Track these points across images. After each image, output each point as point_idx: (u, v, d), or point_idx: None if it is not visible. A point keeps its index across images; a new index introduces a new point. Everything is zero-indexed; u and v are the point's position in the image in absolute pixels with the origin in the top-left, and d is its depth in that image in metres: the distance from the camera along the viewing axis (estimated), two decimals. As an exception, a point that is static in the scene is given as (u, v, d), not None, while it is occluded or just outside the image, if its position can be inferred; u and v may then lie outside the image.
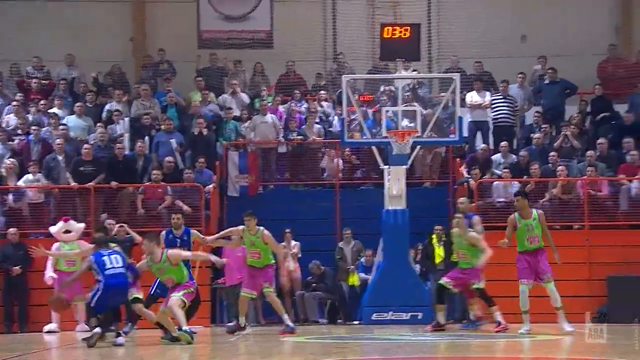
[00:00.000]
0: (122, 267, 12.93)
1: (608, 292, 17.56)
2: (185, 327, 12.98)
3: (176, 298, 13.04)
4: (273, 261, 14.89)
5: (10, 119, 20.17)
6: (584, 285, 17.78)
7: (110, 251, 13.11)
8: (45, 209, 18.42)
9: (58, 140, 18.96)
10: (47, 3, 23.11)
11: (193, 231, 14.91)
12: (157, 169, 18.77)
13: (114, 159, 18.87)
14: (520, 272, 14.30)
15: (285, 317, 14.83)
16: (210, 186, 18.73)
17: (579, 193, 18.33)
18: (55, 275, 16.59)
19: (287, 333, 14.49)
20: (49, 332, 16.28)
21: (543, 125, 19.96)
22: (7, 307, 17.41)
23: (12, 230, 17.68)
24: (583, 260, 17.83)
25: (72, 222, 16.98)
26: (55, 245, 16.72)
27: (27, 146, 19.37)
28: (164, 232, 14.73)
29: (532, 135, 19.85)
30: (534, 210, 14.48)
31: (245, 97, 21.19)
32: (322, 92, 21.37)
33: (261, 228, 14.64)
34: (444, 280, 15.12)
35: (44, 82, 21.61)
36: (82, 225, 16.92)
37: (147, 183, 18.63)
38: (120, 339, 12.77)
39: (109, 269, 12.77)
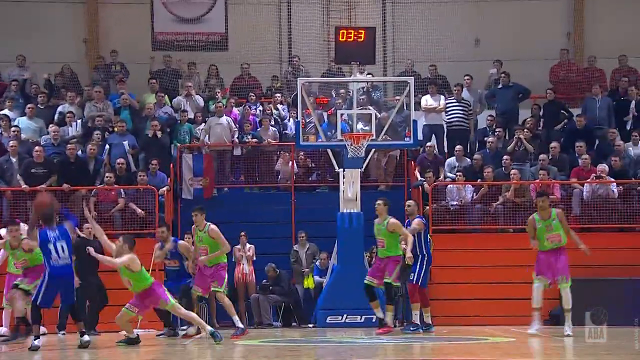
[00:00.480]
0: (68, 257, 12.68)
1: (560, 295, 17.72)
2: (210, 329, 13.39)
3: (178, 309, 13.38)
4: (224, 260, 14.80)
5: (-40, 121, 19.91)
6: (536, 288, 17.93)
7: (56, 235, 12.71)
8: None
9: (12, 142, 18.75)
10: (3, 4, 22.83)
11: (180, 243, 15.07)
12: (109, 171, 18.65)
13: (66, 160, 18.71)
14: (537, 268, 14.35)
15: (236, 318, 14.75)
16: (164, 189, 18.64)
17: (532, 196, 18.51)
18: None
19: (239, 336, 14.44)
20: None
21: (496, 129, 20.14)
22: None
23: (-40, 233, 17.40)
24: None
25: (22, 225, 16.74)
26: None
27: (-22, 146, 19.16)
28: (159, 244, 15.10)
29: (485, 138, 20.03)
30: (553, 210, 14.54)
31: (199, 100, 21.12)
32: (277, 94, 21.36)
33: (208, 224, 14.55)
34: (368, 279, 15.12)
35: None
36: None
37: (100, 185, 18.49)
38: (86, 337, 12.75)
39: (54, 261, 12.57)
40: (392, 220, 15.00)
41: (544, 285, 14.34)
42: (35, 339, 12.51)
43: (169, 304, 13.34)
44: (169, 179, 19.03)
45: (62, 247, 12.67)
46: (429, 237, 15.82)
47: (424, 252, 15.40)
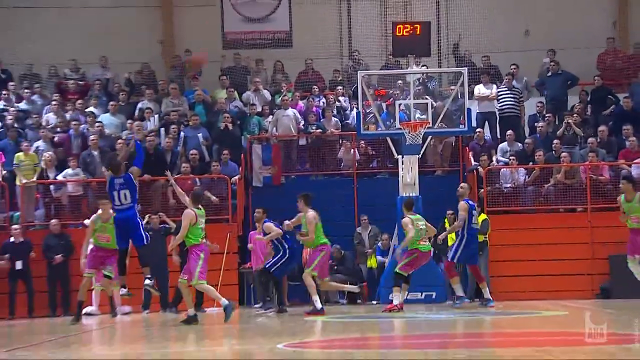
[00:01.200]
0: (130, 202, 13.22)
1: (610, 270, 17.54)
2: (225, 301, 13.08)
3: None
4: (323, 240, 14.91)
5: (50, 118, 20.35)
6: (587, 264, 17.79)
7: (121, 183, 13.24)
8: (83, 201, 18.55)
9: (92, 136, 19.11)
10: (82, 9, 23.22)
11: (266, 224, 15.39)
12: (186, 162, 18.88)
13: (146, 152, 18.95)
14: (630, 249, 14.57)
15: (315, 298, 14.80)
16: (236, 177, 18.80)
17: (582, 178, 18.28)
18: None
19: (313, 314, 14.50)
20: (88, 314, 16.38)
21: (546, 115, 19.91)
22: (52, 293, 17.60)
23: (54, 221, 17.89)
24: (586, 240, 17.84)
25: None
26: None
27: (67, 140, 19.53)
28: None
29: (536, 124, 19.81)
30: (638, 193, 14.57)
31: (267, 94, 21.24)
32: (339, 87, 21.37)
33: (309, 210, 14.80)
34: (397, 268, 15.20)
35: (80, 83, 21.75)
36: None
37: (177, 175, 18.70)
38: (147, 281, 13.32)
39: (117, 205, 13.24)
40: (404, 219, 15.20)
41: (635, 262, 14.32)
42: (122, 288, 13.60)
43: (191, 282, 13.01)
44: (240, 167, 19.19)
45: (125, 194, 13.20)
46: (475, 219, 15.71)
47: (464, 233, 15.39)
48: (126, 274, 13.69)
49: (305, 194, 15.11)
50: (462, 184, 16.16)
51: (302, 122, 20.30)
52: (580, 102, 20.28)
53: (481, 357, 8.62)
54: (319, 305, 14.72)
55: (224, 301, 12.93)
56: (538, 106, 20.36)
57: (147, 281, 13.27)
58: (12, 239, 17.62)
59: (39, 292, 17.57)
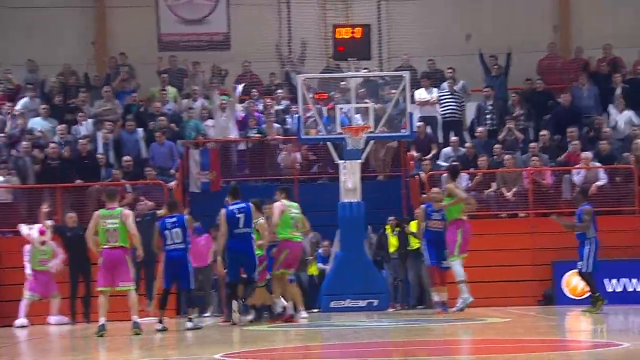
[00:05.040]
0: (181, 242, 13.53)
1: (552, 276, 17.87)
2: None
3: None
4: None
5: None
6: (529, 270, 18.08)
7: (174, 221, 13.58)
8: (14, 208, 18.31)
9: (24, 142, 18.90)
10: (10, 9, 22.88)
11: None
12: (119, 167, 18.84)
13: (79, 155, 18.88)
14: None
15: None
16: (173, 183, 18.74)
17: (524, 184, 18.58)
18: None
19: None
20: (20, 327, 16.19)
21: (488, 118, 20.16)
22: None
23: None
24: (528, 246, 18.13)
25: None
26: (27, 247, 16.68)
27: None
28: None
29: (478, 128, 20.08)
30: None
31: (204, 98, 21.19)
32: (279, 91, 21.42)
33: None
34: None
35: (10, 86, 21.43)
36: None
37: (108, 180, 18.63)
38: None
39: (170, 244, 13.48)
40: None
41: None
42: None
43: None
44: (177, 172, 19.14)
45: (177, 232, 13.52)
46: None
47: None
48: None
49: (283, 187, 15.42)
50: (435, 189, 16.34)
51: (240, 126, 20.30)
52: (523, 106, 20.59)
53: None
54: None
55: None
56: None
57: (189, 323, 13.56)
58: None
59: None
